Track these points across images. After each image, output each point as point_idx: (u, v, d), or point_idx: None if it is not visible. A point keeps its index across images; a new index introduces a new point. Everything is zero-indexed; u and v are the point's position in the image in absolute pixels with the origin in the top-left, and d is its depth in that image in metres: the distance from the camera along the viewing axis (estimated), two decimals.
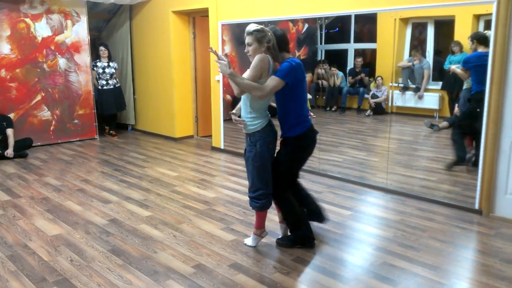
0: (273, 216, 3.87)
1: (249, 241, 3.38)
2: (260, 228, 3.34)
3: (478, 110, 4.07)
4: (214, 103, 6.55)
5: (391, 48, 5.22)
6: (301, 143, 3.20)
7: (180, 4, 6.76)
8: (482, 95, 3.92)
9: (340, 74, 6.63)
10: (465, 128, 4.56)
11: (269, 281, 2.85)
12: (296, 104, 3.17)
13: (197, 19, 7.08)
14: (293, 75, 3.04)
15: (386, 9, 4.51)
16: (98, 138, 7.41)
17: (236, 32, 6.80)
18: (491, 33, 3.87)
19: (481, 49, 4.20)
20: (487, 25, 3.97)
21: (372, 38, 5.96)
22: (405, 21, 5.40)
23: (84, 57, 7.17)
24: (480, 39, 4.23)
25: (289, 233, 3.41)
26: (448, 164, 4.76)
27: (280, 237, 3.42)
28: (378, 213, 4.03)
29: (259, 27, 3.02)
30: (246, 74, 3.02)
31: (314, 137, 3.26)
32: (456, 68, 4.53)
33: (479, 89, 4.12)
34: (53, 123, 7.02)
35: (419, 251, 3.24)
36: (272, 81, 2.99)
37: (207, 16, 6.41)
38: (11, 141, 6.11)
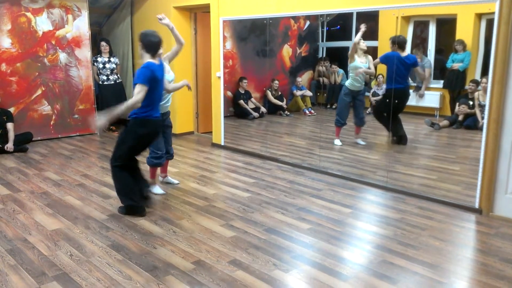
0: (273, 213, 3.88)
1: (158, 189, 4.40)
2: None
3: (387, 101, 5.02)
4: (214, 99, 6.55)
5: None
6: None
7: (181, 0, 6.75)
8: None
9: (341, 71, 6.62)
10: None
11: (268, 278, 2.86)
12: None
13: (198, 15, 7.07)
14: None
15: (388, 6, 4.49)
16: (98, 133, 7.40)
17: (238, 28, 6.78)
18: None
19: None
20: (489, 24, 3.96)
21: (374, 36, 5.95)
22: (407, 19, 5.39)
23: (84, 52, 7.16)
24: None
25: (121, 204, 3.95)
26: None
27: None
28: (378, 211, 4.03)
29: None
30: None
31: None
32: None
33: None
34: (54, 117, 7.02)
35: (419, 249, 3.25)
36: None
37: (209, 12, 6.39)
38: (11, 135, 6.10)
